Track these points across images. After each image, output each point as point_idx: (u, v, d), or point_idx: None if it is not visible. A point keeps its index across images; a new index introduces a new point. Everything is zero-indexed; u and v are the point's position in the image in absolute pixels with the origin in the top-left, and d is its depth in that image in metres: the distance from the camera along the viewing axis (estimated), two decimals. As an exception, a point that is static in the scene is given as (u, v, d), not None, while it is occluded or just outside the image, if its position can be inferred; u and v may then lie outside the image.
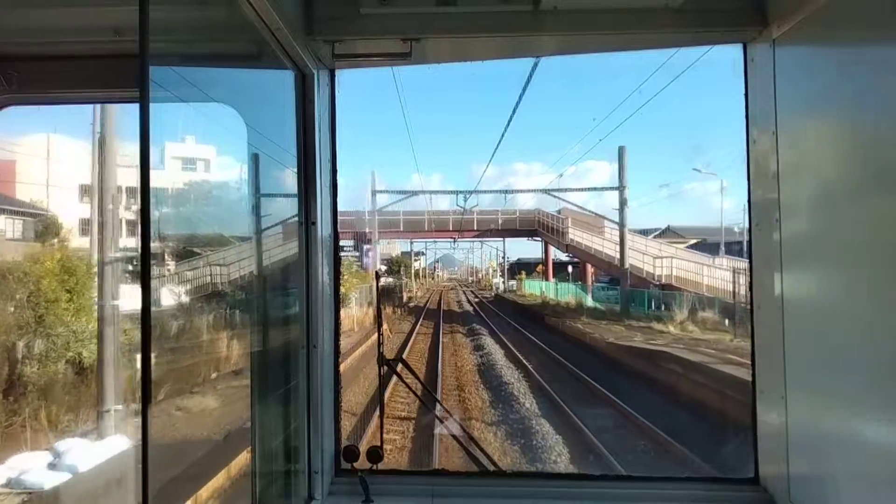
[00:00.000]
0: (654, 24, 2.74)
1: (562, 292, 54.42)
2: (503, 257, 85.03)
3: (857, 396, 2.17)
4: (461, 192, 46.30)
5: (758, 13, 2.66)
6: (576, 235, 50.31)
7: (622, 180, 37.97)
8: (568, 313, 38.21)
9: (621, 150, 38.13)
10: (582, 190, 52.37)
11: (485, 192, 46.48)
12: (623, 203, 37.68)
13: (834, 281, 2.34)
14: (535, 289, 64.76)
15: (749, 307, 2.94)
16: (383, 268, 71.18)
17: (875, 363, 2.06)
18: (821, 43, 2.42)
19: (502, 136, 57.37)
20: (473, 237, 65.14)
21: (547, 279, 63.10)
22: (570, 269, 67.83)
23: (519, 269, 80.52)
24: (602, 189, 49.38)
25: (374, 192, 44.90)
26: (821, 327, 2.42)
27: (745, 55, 2.83)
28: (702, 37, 2.89)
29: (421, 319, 40.99)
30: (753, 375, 2.89)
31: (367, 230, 44.92)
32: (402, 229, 59.19)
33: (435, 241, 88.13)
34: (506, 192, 46.89)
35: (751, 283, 2.91)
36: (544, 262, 66.30)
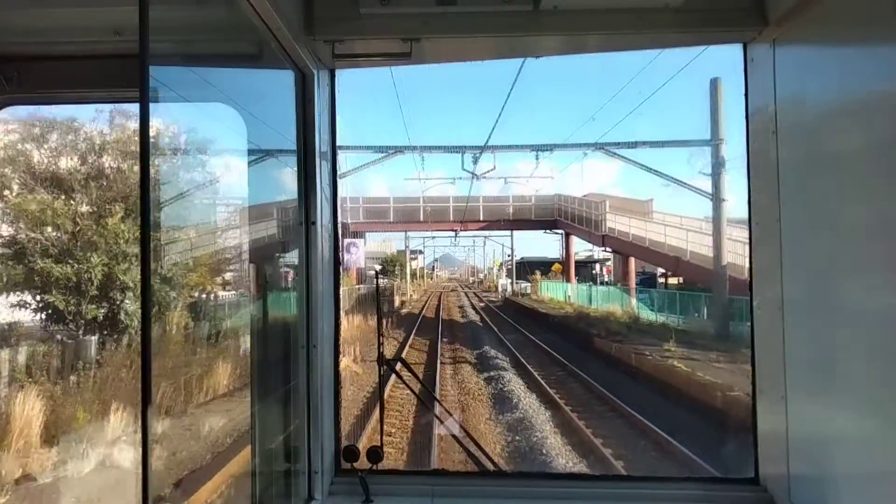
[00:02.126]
0: (654, 23, 2.74)
1: (599, 298, 40.35)
2: (511, 254, 71.76)
3: (858, 396, 2.17)
4: (469, 147, 31.09)
5: (758, 13, 2.66)
6: (617, 223, 38.63)
7: (717, 130, 24.52)
8: (630, 333, 25.36)
9: (714, 83, 24.57)
10: (654, 144, 29.20)
11: (505, 147, 31.34)
12: (719, 166, 24.49)
13: (834, 281, 2.34)
14: (555, 292, 51.96)
15: (749, 307, 2.94)
16: (378, 267, 65.05)
17: (875, 363, 2.06)
18: (821, 43, 2.42)
19: (494, 125, 49.73)
20: (479, 229, 54.44)
21: (568, 280, 52.10)
22: (597, 267, 57.34)
23: (530, 268, 68.31)
24: (685, 144, 29.05)
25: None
26: (821, 327, 2.42)
27: (745, 55, 2.84)
28: (702, 37, 2.90)
29: (412, 337, 29.21)
30: (753, 375, 2.89)
31: (350, 221, 37.49)
32: (392, 220, 49.41)
33: (433, 237, 77.57)
34: (538, 148, 30.83)
35: (751, 282, 2.91)
36: (565, 259, 54.37)
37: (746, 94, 2.84)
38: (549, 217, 49.24)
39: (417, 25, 2.77)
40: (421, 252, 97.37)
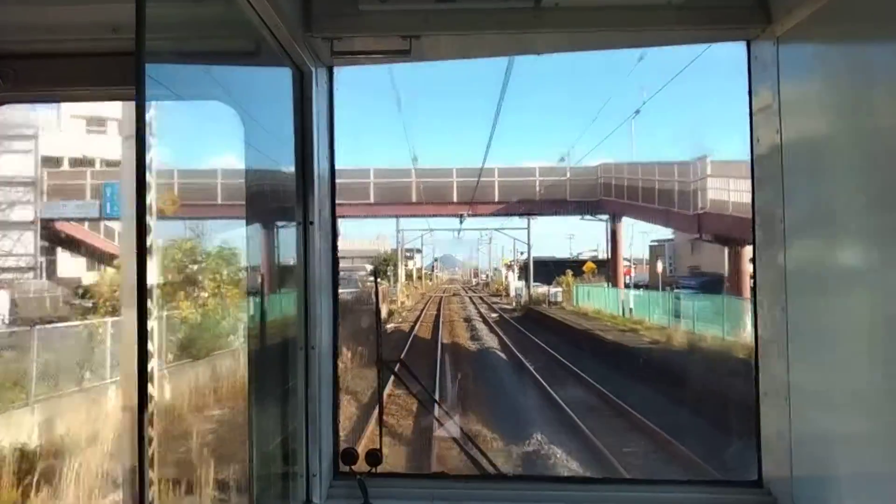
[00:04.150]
0: (656, 21, 2.72)
1: (697, 315, 25.13)
2: (527, 249, 51.28)
3: (861, 399, 2.16)
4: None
5: (761, 11, 2.65)
6: (731, 194, 24.95)
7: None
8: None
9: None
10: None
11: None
12: None
13: (838, 283, 2.32)
14: (602, 301, 36.85)
15: (752, 308, 2.92)
16: (369, 267, 57.63)
17: (879, 365, 2.04)
18: (825, 41, 2.40)
19: (494, 122, 40.13)
20: (493, 213, 39.28)
21: (615, 284, 37.72)
22: (658, 265, 40.05)
23: (557, 268, 52.27)
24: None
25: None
26: (824, 330, 2.40)
27: (749, 53, 2.82)
28: (705, 34, 2.88)
29: (389, 387, 12.51)
30: (756, 377, 2.87)
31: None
32: (372, 201, 35.65)
33: (431, 231, 59.72)
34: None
35: (754, 284, 2.89)
36: (612, 253, 39.38)
37: (750, 93, 2.82)
38: (591, 197, 35.41)
39: (417, 22, 2.75)
40: (419, 251, 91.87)
